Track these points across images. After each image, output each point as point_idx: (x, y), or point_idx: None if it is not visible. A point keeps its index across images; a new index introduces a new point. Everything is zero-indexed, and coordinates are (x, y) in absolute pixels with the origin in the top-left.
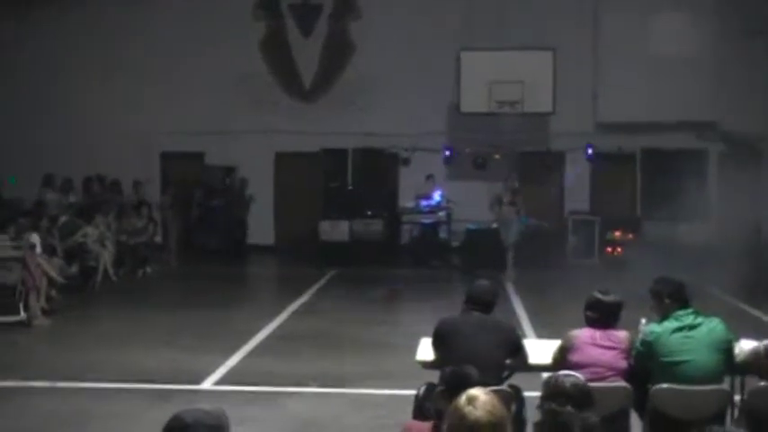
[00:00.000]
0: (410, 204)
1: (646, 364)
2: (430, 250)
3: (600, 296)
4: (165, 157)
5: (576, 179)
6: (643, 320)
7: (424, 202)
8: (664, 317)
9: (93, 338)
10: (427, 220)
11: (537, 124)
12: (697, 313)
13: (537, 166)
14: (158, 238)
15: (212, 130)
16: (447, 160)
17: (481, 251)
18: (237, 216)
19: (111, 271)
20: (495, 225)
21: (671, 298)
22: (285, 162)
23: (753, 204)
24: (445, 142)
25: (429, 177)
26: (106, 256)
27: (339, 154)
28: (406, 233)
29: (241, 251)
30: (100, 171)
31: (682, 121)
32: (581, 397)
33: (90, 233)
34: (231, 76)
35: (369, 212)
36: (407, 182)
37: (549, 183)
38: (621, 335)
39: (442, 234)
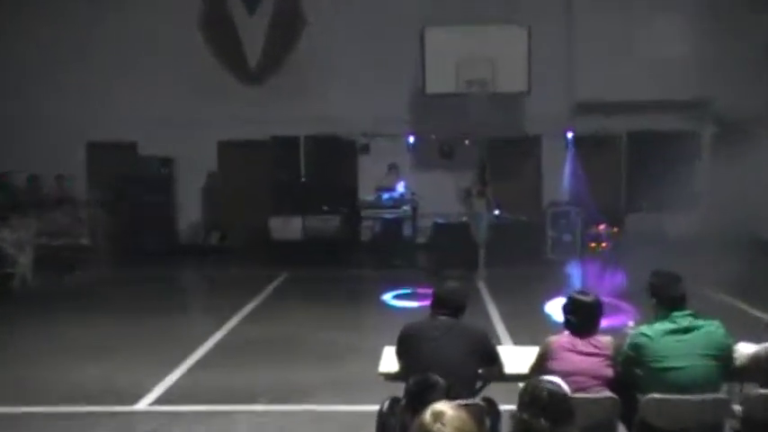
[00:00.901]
0: (371, 198)
1: (634, 371)
2: (393, 248)
3: (579, 297)
4: (93, 147)
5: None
6: (630, 323)
7: (386, 195)
8: (655, 317)
9: (10, 355)
10: (390, 214)
11: (510, 106)
12: (695, 315)
13: (511, 153)
14: (85, 240)
15: (146, 117)
16: (411, 148)
17: (450, 248)
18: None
19: (29, 277)
20: (464, 219)
21: (658, 296)
22: (229, 152)
23: (747, 192)
24: (409, 128)
25: (391, 167)
26: (24, 261)
27: (290, 142)
28: (367, 230)
29: (181, 252)
30: (16, 165)
31: (670, 101)
32: (557, 410)
33: (6, 236)
34: (168, 56)
35: (324, 207)
36: (367, 172)
37: (525, 171)
38: (605, 340)
39: (407, 230)
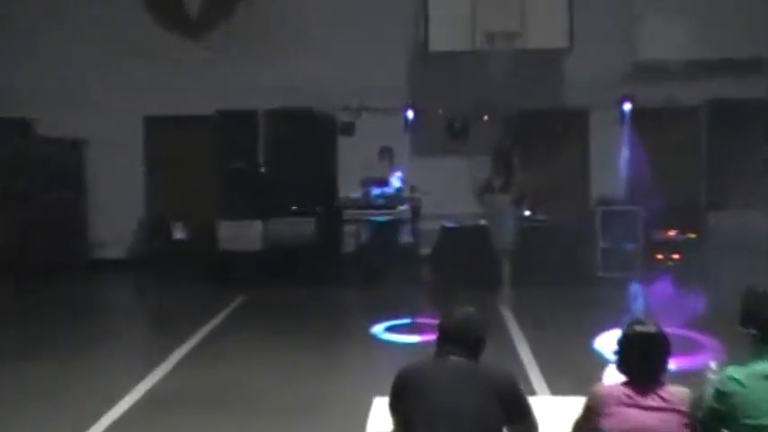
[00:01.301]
0: (356, 194)
1: (720, 429)
2: (386, 262)
3: (639, 330)
4: None
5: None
6: (712, 365)
7: (376, 191)
8: (749, 356)
9: None
10: (381, 216)
11: (546, 69)
12: None
13: (546, 133)
14: None
15: (46, 87)
16: (410, 127)
17: (463, 262)
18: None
19: None
20: (483, 222)
21: (755, 325)
22: (161, 131)
23: None
24: (406, 100)
25: (383, 153)
26: None
27: (244, 119)
28: (351, 237)
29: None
30: None
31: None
32: None
33: None
34: (80, 7)
35: (293, 207)
36: (351, 160)
37: (566, 157)
38: (677, 390)
39: (405, 237)
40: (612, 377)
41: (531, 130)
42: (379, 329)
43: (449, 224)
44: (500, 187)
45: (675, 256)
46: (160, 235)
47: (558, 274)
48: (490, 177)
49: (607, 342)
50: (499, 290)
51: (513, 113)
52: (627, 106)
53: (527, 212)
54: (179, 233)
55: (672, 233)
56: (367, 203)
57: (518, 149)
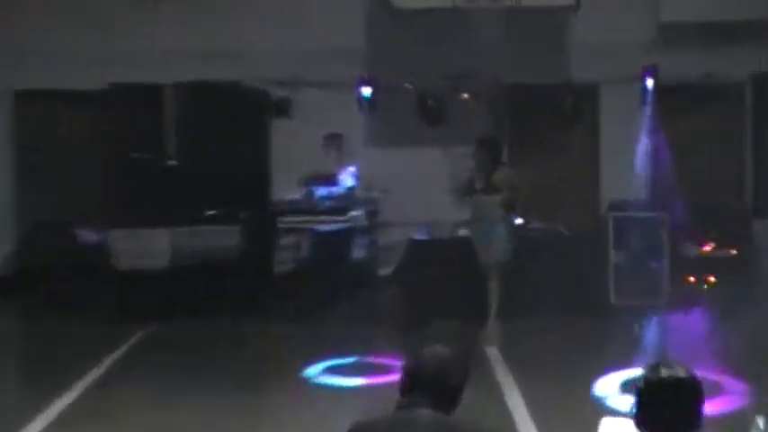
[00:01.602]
0: (294, 196)
1: None
2: (334, 284)
3: (663, 375)
4: None
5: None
6: (760, 422)
7: (321, 191)
8: None
9: None
10: (328, 225)
11: (545, 33)
12: None
13: (546, 116)
14: None
15: None
16: (367, 106)
17: (437, 284)
18: None
19: None
20: (463, 232)
21: None
22: (36, 111)
23: None
24: (363, 72)
25: (331, 140)
26: None
27: (148, 95)
28: (288, 252)
29: None
30: None
31: None
32: None
33: None
34: None
35: (209, 212)
36: (288, 151)
37: (571, 147)
38: None
39: (360, 253)
40: None
41: (525, 113)
42: (315, 371)
43: (418, 236)
44: (486, 187)
45: (711, 279)
46: (37, 246)
47: (559, 300)
48: (473, 174)
49: (611, 386)
50: (484, 322)
51: (503, 90)
52: (649, 82)
53: (519, 220)
54: (59, 243)
55: (707, 248)
56: (309, 208)
57: (509, 137)
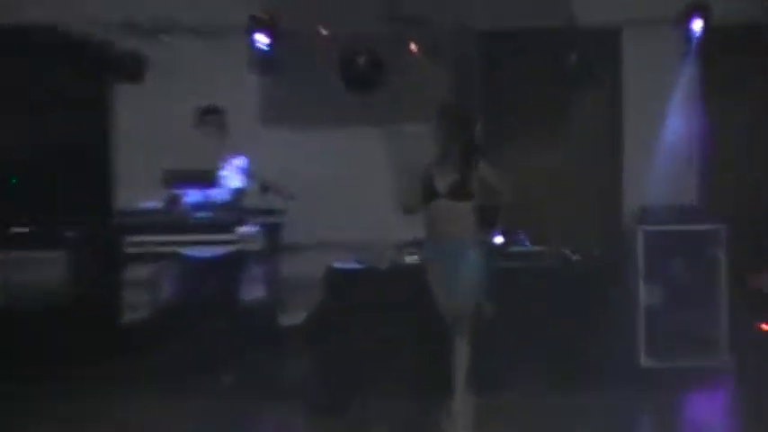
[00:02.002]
0: (152, 203)
1: None
2: (213, 341)
3: None
4: None
5: None
6: None
7: (193, 195)
8: None
9: None
10: (205, 249)
11: None
12: None
13: (539, 77)
14: None
15: None
16: (263, 65)
17: (373, 342)
18: None
19: None
20: (411, 259)
21: None
22: None
23: None
24: (255, 11)
25: (208, 116)
26: None
27: None
28: (143, 290)
29: None
30: None
31: None
32: None
33: None
34: None
35: (18, 230)
36: (141, 132)
37: (578, 127)
38: None
39: (254, 290)
40: None
41: (507, 75)
42: None
43: (342, 265)
44: (455, 188)
45: None
46: None
47: (561, 365)
48: (431, 168)
49: None
50: (446, 401)
51: (473, 41)
52: (697, 25)
53: (500, 239)
54: None
55: None
56: (175, 222)
57: (484, 112)
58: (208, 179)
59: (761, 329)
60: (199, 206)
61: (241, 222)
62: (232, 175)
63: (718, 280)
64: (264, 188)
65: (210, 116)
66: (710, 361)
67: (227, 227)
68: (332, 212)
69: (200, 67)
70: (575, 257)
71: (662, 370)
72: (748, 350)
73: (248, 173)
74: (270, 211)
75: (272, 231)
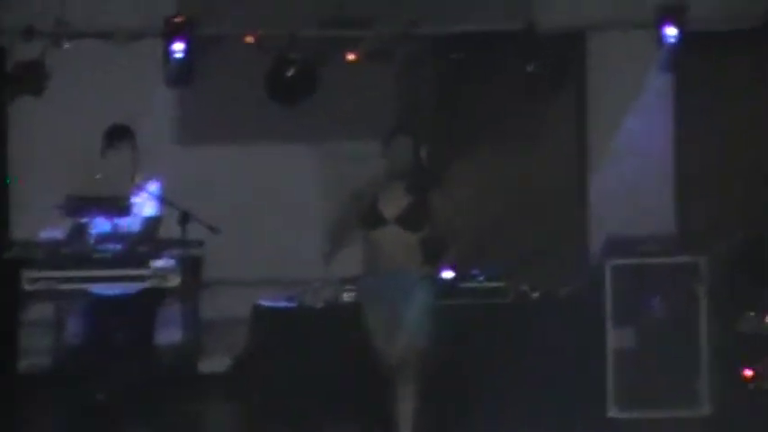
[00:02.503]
0: (52, 233)
1: None
2: (125, 393)
3: None
4: None
5: None
6: None
7: (101, 225)
8: None
9: None
10: (115, 286)
11: None
12: None
13: (496, 86)
14: None
15: None
16: (179, 73)
17: (305, 391)
18: None
19: None
20: (350, 296)
21: None
22: None
23: None
24: (170, 11)
25: (117, 136)
26: None
27: None
28: (42, 333)
29: None
30: None
31: None
32: None
33: None
34: None
35: None
36: (38, 151)
37: (538, 142)
38: None
39: (170, 332)
40: None
41: (464, 84)
42: None
43: (272, 302)
44: (406, 215)
45: None
46: None
47: (518, 415)
48: (375, 191)
49: None
50: None
51: (425, 44)
52: (671, 32)
53: (449, 274)
54: None
55: None
56: (81, 255)
57: (435, 129)
58: (118, 207)
59: (743, 378)
60: (108, 237)
61: (156, 256)
62: (145, 203)
63: (696, 321)
64: (184, 218)
65: (118, 137)
66: (688, 412)
67: (140, 261)
68: (259, 243)
69: (109, 77)
70: (533, 295)
71: (632, 422)
72: (730, 400)
73: (161, 199)
74: (188, 243)
75: (190, 266)
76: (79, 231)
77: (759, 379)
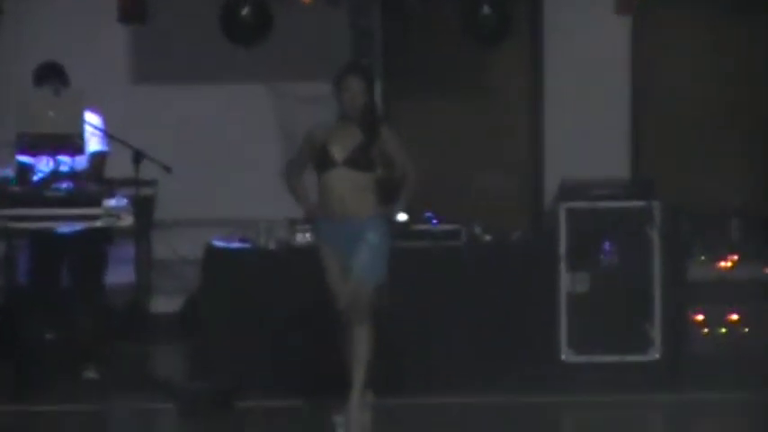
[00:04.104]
0: None
1: None
2: (74, 332)
3: None
4: None
5: None
6: None
7: (43, 165)
8: None
9: None
10: (64, 225)
11: None
12: None
13: (448, 31)
14: None
15: None
16: (132, 14)
17: (257, 331)
18: None
19: None
20: (303, 237)
21: None
22: None
23: None
24: None
25: (46, 74)
26: None
27: None
28: None
29: None
30: None
31: None
32: None
33: None
34: None
35: None
36: None
37: (491, 88)
38: None
39: (121, 272)
40: None
41: (414, 28)
42: None
43: (225, 243)
44: (356, 156)
45: (734, 317)
46: None
47: (470, 357)
48: (326, 133)
49: None
50: (342, 398)
51: None
52: None
53: (403, 216)
54: None
55: (727, 263)
56: (33, 193)
57: (386, 71)
58: (72, 144)
59: (693, 321)
60: (51, 177)
61: (109, 194)
62: (89, 138)
63: (650, 265)
64: (138, 156)
65: (50, 73)
66: (640, 356)
67: (92, 199)
68: (212, 184)
69: (61, 14)
70: (486, 238)
71: (585, 365)
72: (681, 343)
73: (113, 137)
74: (141, 182)
75: (143, 205)
76: (25, 171)
77: (709, 324)
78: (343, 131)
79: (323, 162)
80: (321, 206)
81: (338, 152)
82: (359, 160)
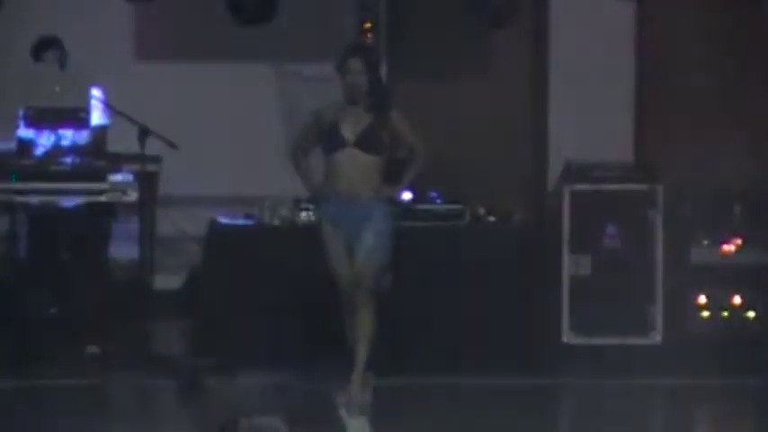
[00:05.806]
0: (1, 146)
1: None
2: (77, 307)
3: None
4: None
5: None
6: None
7: (46, 137)
8: None
9: None
10: (66, 199)
11: None
12: None
13: (452, 14)
14: None
15: None
16: None
17: (261, 312)
18: None
19: None
20: (307, 216)
21: None
22: None
23: None
24: None
25: (45, 47)
26: None
27: None
28: None
29: None
30: None
31: None
32: None
33: None
34: None
35: None
36: None
37: (497, 71)
38: None
39: (124, 248)
40: None
41: (416, 11)
42: None
43: (229, 219)
44: (361, 137)
45: (736, 301)
46: None
47: (473, 339)
48: (336, 113)
49: None
50: (344, 380)
51: None
52: None
53: (407, 196)
54: None
55: (731, 247)
56: (34, 167)
57: (391, 52)
58: (79, 118)
59: (696, 305)
60: (54, 151)
61: (113, 170)
62: (96, 112)
63: (652, 249)
64: (143, 133)
65: (46, 50)
66: (642, 339)
67: (97, 174)
68: (217, 161)
69: None
70: (489, 219)
71: (587, 347)
72: (682, 327)
73: (107, 110)
74: (146, 158)
75: (147, 181)
76: (26, 145)
77: (711, 307)
78: (352, 112)
79: (332, 142)
80: (328, 186)
81: (349, 133)
82: (370, 142)
